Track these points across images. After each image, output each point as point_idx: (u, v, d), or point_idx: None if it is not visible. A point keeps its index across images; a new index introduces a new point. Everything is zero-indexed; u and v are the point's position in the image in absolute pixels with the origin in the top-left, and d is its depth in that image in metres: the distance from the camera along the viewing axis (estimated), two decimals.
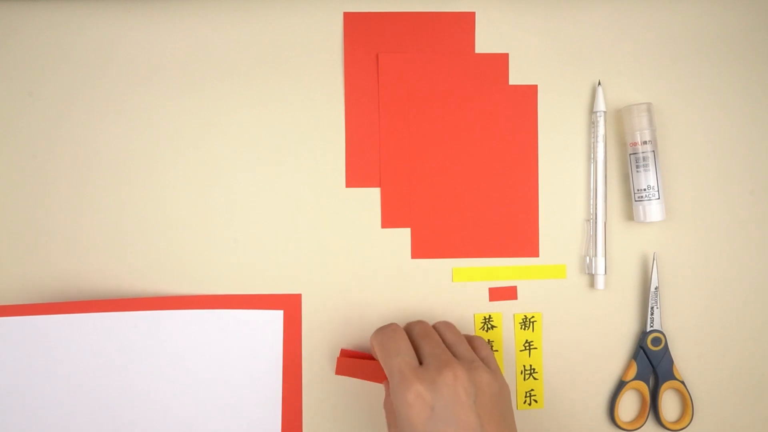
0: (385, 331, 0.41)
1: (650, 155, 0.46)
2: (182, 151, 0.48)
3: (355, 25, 0.47)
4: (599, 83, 0.47)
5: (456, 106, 0.48)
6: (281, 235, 0.47)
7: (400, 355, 0.38)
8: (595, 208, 0.47)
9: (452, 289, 0.48)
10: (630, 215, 0.48)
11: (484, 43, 0.48)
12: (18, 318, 0.43)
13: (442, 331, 0.42)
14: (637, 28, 0.48)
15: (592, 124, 0.48)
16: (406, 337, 0.40)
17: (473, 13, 0.48)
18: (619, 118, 0.48)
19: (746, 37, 0.48)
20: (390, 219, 0.48)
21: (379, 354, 0.40)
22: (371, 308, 0.47)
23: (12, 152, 0.47)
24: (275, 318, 0.46)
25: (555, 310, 0.48)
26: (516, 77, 0.48)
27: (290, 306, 0.46)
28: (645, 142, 0.46)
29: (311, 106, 0.48)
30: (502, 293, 0.48)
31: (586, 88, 0.48)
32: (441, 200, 0.48)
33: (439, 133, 0.48)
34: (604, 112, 0.47)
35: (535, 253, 0.48)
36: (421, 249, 0.48)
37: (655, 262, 0.47)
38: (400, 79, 0.47)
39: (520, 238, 0.48)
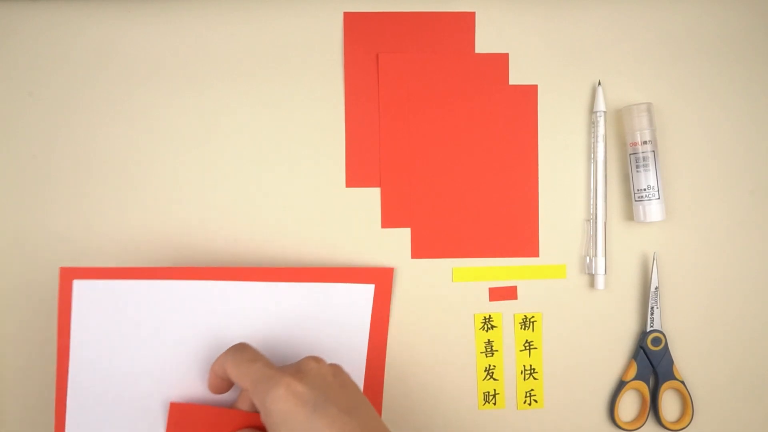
0: (233, 348, 0.39)
1: (650, 155, 0.46)
2: (182, 150, 0.47)
3: (355, 25, 0.47)
4: (599, 83, 0.47)
5: (456, 106, 0.48)
6: (281, 234, 0.47)
7: (259, 361, 0.37)
8: (595, 208, 0.47)
9: (452, 289, 0.48)
10: (630, 215, 0.48)
11: (484, 43, 0.48)
12: (108, 282, 0.43)
13: None
14: (637, 28, 0.48)
15: (592, 124, 0.48)
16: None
17: (473, 13, 0.48)
18: (619, 118, 0.48)
19: (746, 37, 0.48)
20: (390, 219, 0.48)
21: (233, 369, 0.38)
22: None
23: (12, 152, 0.47)
24: (366, 292, 0.45)
25: (555, 310, 0.48)
26: (516, 77, 0.48)
27: (381, 280, 0.46)
28: (645, 142, 0.46)
29: (311, 106, 0.48)
30: (502, 293, 0.48)
31: (586, 88, 0.48)
32: (441, 200, 0.48)
33: (439, 133, 0.48)
34: (604, 112, 0.47)
35: (535, 253, 0.48)
36: (421, 249, 0.48)
37: (655, 262, 0.47)
38: (400, 79, 0.47)
39: (520, 238, 0.48)
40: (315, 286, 0.45)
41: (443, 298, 0.48)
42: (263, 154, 0.48)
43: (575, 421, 0.48)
